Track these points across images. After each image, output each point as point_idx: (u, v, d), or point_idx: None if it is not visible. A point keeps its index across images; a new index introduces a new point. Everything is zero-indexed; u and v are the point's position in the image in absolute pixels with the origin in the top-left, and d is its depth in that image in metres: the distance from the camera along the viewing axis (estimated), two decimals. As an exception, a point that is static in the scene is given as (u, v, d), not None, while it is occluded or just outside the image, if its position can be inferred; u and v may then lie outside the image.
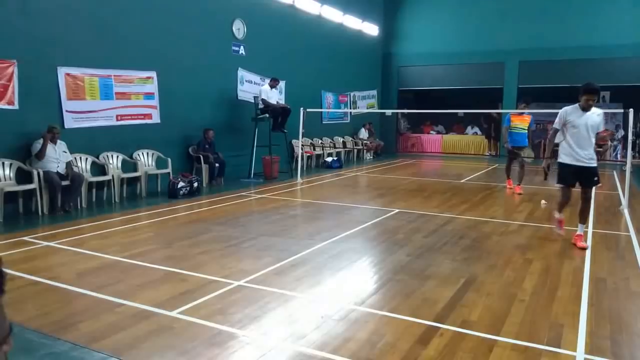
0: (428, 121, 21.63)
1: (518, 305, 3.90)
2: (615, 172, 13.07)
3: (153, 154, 9.53)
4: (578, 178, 5.65)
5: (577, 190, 5.78)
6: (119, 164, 8.85)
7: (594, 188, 5.86)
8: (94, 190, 8.41)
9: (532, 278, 4.58)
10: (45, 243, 5.71)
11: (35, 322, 3.50)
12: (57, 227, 6.55)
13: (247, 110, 11.81)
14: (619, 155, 16.63)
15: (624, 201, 8.23)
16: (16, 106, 7.31)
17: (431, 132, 21.29)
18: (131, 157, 9.14)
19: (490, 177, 12.94)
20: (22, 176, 7.40)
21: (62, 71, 7.93)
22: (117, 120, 8.91)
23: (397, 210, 7.84)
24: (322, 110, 15.65)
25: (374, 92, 19.41)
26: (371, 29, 18.51)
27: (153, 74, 9.49)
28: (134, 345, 3.18)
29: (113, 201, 8.52)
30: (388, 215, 7.54)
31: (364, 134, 17.82)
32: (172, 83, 9.80)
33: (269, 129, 11.51)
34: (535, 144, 15.32)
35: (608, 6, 16.08)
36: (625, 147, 11.77)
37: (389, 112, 19.23)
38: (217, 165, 10.42)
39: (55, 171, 7.50)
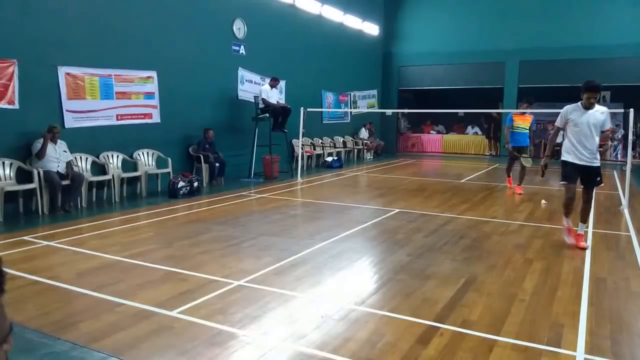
0: (428, 121, 21.62)
1: (518, 305, 3.90)
2: (615, 172, 13.07)
3: (153, 153, 9.53)
4: (580, 176, 5.57)
5: (578, 189, 5.78)
6: (119, 164, 8.85)
7: (595, 188, 5.79)
8: (94, 190, 8.41)
9: (532, 278, 4.58)
10: (46, 243, 5.71)
11: (35, 321, 3.50)
12: (57, 227, 6.56)
13: (247, 110, 11.81)
14: (619, 155, 16.64)
15: (624, 201, 8.23)
16: (16, 106, 7.31)
17: (431, 132, 21.29)
18: (131, 156, 9.14)
19: (490, 177, 12.94)
20: (23, 176, 7.40)
21: (62, 71, 7.93)
22: (118, 119, 8.91)
23: (397, 210, 7.84)
24: (323, 110, 15.65)
25: (374, 92, 19.40)
26: (371, 29, 18.50)
27: (153, 74, 9.49)
28: (134, 345, 3.18)
29: (113, 201, 8.52)
30: (388, 215, 7.54)
31: (364, 133, 17.82)
32: (173, 83, 9.80)
33: (269, 129, 11.50)
34: (536, 144, 15.32)
35: (608, 6, 16.08)
36: (625, 147, 11.76)
37: (389, 111, 19.23)
38: (217, 165, 10.42)
39: (56, 171, 7.49)
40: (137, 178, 9.09)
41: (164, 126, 9.71)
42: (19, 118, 7.34)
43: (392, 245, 5.80)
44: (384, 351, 3.12)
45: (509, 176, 10.05)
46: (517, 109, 14.61)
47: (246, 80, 12.06)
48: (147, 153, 9.44)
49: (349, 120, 17.66)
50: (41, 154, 7.34)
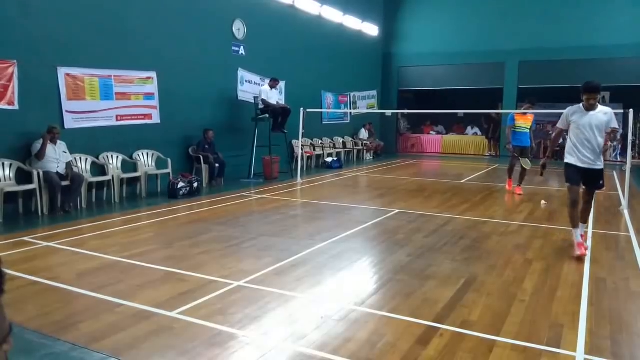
0: (428, 121, 21.63)
1: (518, 306, 3.90)
2: (615, 173, 13.07)
3: (153, 154, 9.53)
4: (583, 179, 5.44)
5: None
6: (119, 164, 8.85)
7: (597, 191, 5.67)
8: (94, 191, 8.41)
9: (532, 278, 4.58)
10: (45, 243, 5.71)
11: (35, 322, 3.50)
12: (57, 228, 6.55)
13: (247, 111, 11.81)
14: (618, 156, 16.64)
15: (624, 201, 8.23)
16: (16, 106, 7.31)
17: (431, 132, 21.29)
18: (131, 157, 9.14)
19: (490, 177, 12.93)
20: (22, 176, 7.40)
21: (62, 71, 7.94)
22: (117, 120, 8.91)
23: (397, 211, 7.84)
24: (322, 110, 15.65)
25: (374, 93, 19.41)
26: (371, 29, 18.51)
27: (153, 74, 9.49)
28: (134, 346, 3.18)
29: (113, 201, 8.52)
30: (388, 215, 7.54)
31: (364, 134, 17.82)
32: (172, 83, 9.80)
33: (269, 129, 11.51)
34: (536, 144, 15.32)
35: (608, 6, 16.09)
36: (625, 147, 11.76)
37: (389, 112, 19.25)
38: (217, 165, 10.42)
39: (55, 171, 7.49)
40: (137, 179, 9.09)
41: (163, 127, 9.71)
42: (18, 119, 7.34)
43: (392, 245, 5.80)
44: (384, 351, 3.12)
45: (510, 177, 9.95)
46: (517, 109, 14.63)
47: (246, 81, 12.07)
48: (147, 154, 9.44)
49: (348, 121, 17.66)
50: (41, 154, 7.34)
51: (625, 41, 15.70)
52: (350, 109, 17.63)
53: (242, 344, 3.23)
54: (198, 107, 10.56)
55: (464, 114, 20.01)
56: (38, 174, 7.33)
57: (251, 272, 4.65)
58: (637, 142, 16.95)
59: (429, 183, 11.57)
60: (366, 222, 7.05)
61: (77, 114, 8.22)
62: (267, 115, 11.44)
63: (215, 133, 10.53)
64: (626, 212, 7.83)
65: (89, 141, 8.40)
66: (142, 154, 9.36)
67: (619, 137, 5.81)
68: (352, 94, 17.73)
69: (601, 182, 5.51)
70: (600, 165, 5.40)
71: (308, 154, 14.13)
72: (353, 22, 16.99)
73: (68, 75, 8.03)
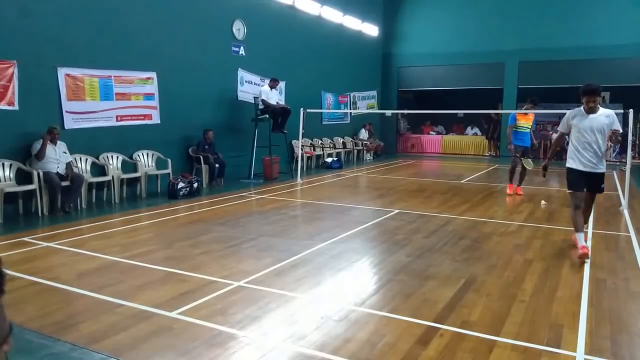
0: (428, 122, 21.64)
1: (518, 306, 3.90)
2: (614, 173, 13.08)
3: (153, 154, 9.53)
4: (586, 183, 5.35)
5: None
6: (119, 165, 8.85)
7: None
8: (93, 191, 8.41)
9: (532, 278, 4.59)
10: (45, 244, 5.71)
11: (35, 322, 3.50)
12: (57, 228, 6.56)
13: (247, 111, 11.81)
14: (618, 155, 16.63)
15: (624, 201, 8.23)
16: (16, 107, 7.31)
17: (431, 132, 21.30)
18: (131, 157, 9.14)
19: (490, 177, 12.93)
20: (22, 177, 7.40)
21: (62, 72, 7.94)
22: (117, 120, 8.91)
23: (397, 211, 7.84)
24: (322, 110, 15.65)
25: (374, 93, 19.41)
26: (371, 30, 18.52)
27: (153, 75, 9.50)
28: (134, 346, 3.18)
29: (113, 202, 8.52)
30: (388, 215, 7.54)
31: (364, 134, 17.82)
32: (172, 84, 9.80)
33: (269, 130, 11.51)
34: (536, 144, 15.33)
35: (608, 7, 16.09)
36: (624, 147, 11.76)
37: (388, 112, 19.25)
38: (217, 165, 10.42)
39: (55, 172, 7.50)
40: (137, 179, 9.09)
41: (163, 127, 9.71)
42: (18, 119, 7.34)
43: (392, 245, 5.80)
44: (384, 352, 3.12)
45: (511, 182, 9.63)
46: (518, 108, 14.63)
47: (246, 81, 12.07)
48: (147, 154, 9.45)
49: (348, 121, 17.67)
50: (40, 155, 7.34)
51: (625, 41, 15.70)
52: (350, 109, 17.63)
53: (242, 344, 3.23)
54: (198, 108, 10.56)
55: (464, 114, 20.01)
56: (38, 174, 7.33)
57: (251, 273, 4.65)
58: (637, 142, 16.96)
59: (428, 183, 11.57)
60: (366, 223, 7.05)
61: (77, 115, 8.22)
62: (267, 116, 11.44)
63: (215, 133, 10.53)
64: (626, 212, 7.83)
65: (89, 141, 8.41)
66: (142, 154, 9.36)
67: (620, 138, 5.66)
68: (352, 94, 17.74)
69: (602, 186, 5.45)
70: (602, 168, 5.32)
71: (308, 154, 14.13)
72: (353, 23, 16.99)
73: (68, 75, 8.03)
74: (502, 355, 3.09)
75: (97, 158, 8.54)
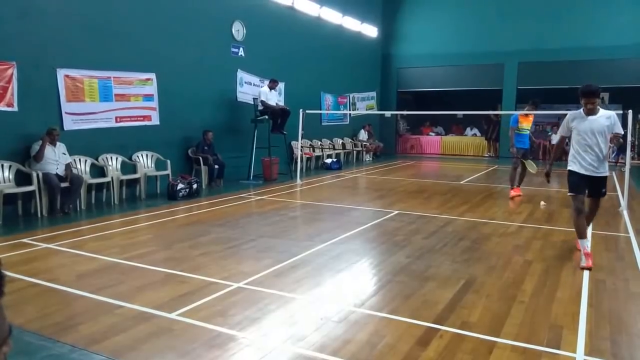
0: (427, 122, 21.65)
1: (518, 307, 3.90)
2: (614, 173, 13.09)
3: (152, 155, 9.52)
4: (587, 187, 5.21)
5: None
6: (118, 166, 8.84)
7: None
8: (93, 192, 8.40)
9: (531, 279, 4.58)
10: (45, 245, 5.70)
11: (34, 324, 3.49)
12: (56, 229, 6.55)
13: (246, 112, 11.81)
14: (616, 157, 16.64)
15: (623, 202, 8.23)
16: (15, 108, 7.30)
17: (430, 133, 21.31)
18: (130, 158, 9.14)
19: (489, 178, 12.94)
20: (22, 178, 7.39)
21: (61, 73, 7.94)
22: (117, 122, 8.90)
23: (396, 212, 7.84)
24: (322, 111, 15.66)
25: (373, 94, 19.42)
26: (370, 31, 18.53)
27: (152, 76, 9.49)
28: (134, 347, 3.18)
29: (112, 203, 8.51)
30: (388, 216, 7.54)
31: (363, 135, 17.83)
32: (172, 85, 9.80)
33: (269, 131, 11.51)
34: (535, 145, 15.34)
35: (608, 7, 16.10)
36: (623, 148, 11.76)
37: (388, 113, 19.24)
38: (216, 166, 10.42)
39: (55, 173, 7.49)
40: (136, 180, 9.08)
41: (163, 128, 9.71)
42: (18, 120, 7.34)
43: (391, 246, 5.80)
44: (384, 353, 3.11)
45: (513, 187, 9.36)
46: (517, 109, 14.63)
47: (245, 82, 12.07)
48: (146, 155, 9.44)
49: (348, 122, 17.67)
50: (38, 156, 7.33)
51: (624, 42, 15.71)
52: (350, 110, 17.63)
53: (242, 346, 3.23)
54: (197, 109, 10.56)
55: (463, 115, 20.02)
56: (37, 175, 7.32)
57: (251, 274, 4.65)
58: (637, 142, 16.97)
59: (428, 184, 11.57)
60: (366, 224, 7.05)
61: (77, 116, 8.22)
62: (267, 117, 11.44)
63: (215, 134, 10.53)
64: (625, 213, 7.83)
65: (88, 142, 8.40)
66: (142, 155, 9.35)
67: (621, 140, 5.50)
68: (351, 95, 17.74)
69: (604, 190, 5.28)
70: (604, 172, 5.16)
71: (307, 155, 14.13)
72: (352, 24, 17.00)
73: (67, 76, 8.03)
74: (501, 356, 3.09)
75: (97, 159, 8.54)
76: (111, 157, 8.77)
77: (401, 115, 20.40)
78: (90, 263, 5.02)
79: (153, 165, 9.51)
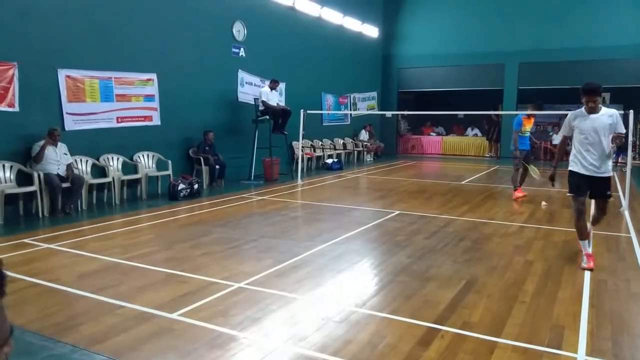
0: (428, 123, 21.65)
1: (519, 307, 3.89)
2: (615, 174, 13.08)
3: (153, 155, 9.53)
4: (588, 188, 5.05)
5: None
6: (120, 166, 8.85)
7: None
8: (94, 192, 8.41)
9: (533, 279, 4.58)
10: (46, 245, 5.71)
11: (35, 324, 3.50)
12: (57, 229, 6.55)
13: (247, 112, 11.81)
14: (617, 157, 16.62)
15: (625, 202, 8.22)
16: (17, 108, 7.31)
17: (431, 133, 21.30)
18: (131, 159, 9.14)
19: (490, 178, 12.93)
20: (23, 178, 7.40)
21: (62, 73, 7.94)
22: (118, 122, 8.91)
23: (397, 212, 7.84)
24: (322, 112, 15.65)
25: (374, 94, 19.41)
26: (371, 31, 18.52)
27: (153, 76, 9.50)
28: (135, 347, 3.18)
29: (113, 203, 8.52)
30: (389, 216, 7.54)
31: (364, 135, 17.83)
32: (173, 85, 9.81)
33: (269, 131, 11.51)
34: (535, 146, 15.32)
35: (608, 8, 16.08)
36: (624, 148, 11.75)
37: (389, 113, 19.25)
38: (217, 167, 10.42)
39: (56, 173, 7.50)
40: (138, 180, 9.08)
41: (164, 128, 9.71)
42: (19, 121, 7.34)
43: (392, 247, 5.80)
44: (385, 353, 3.11)
45: (516, 188, 9.29)
46: (518, 110, 14.62)
47: (246, 83, 12.07)
48: (147, 155, 9.45)
49: (348, 122, 17.67)
50: (38, 157, 7.33)
51: (625, 42, 15.69)
52: (350, 110, 17.63)
53: (243, 346, 3.23)
54: (198, 109, 10.56)
55: (464, 115, 20.00)
56: (39, 175, 7.33)
57: (252, 274, 4.65)
58: (638, 143, 16.94)
59: (429, 184, 11.57)
60: (367, 224, 7.05)
61: (78, 116, 8.22)
62: (268, 117, 11.45)
63: (216, 135, 10.53)
64: (626, 213, 7.82)
65: (89, 143, 8.40)
66: (143, 155, 9.36)
67: (623, 140, 5.36)
68: (352, 96, 17.74)
69: (608, 193, 5.07)
70: (606, 172, 4.99)
71: (308, 156, 14.13)
72: (353, 24, 16.99)
73: (68, 77, 8.04)
74: (503, 356, 3.09)
75: (98, 159, 8.54)
76: (112, 158, 8.77)
77: (402, 115, 20.40)
78: (91, 263, 5.03)
79: (154, 165, 9.52)
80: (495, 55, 17.62)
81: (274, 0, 12.88)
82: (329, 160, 14.68)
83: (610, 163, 5.05)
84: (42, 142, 7.39)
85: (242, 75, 11.91)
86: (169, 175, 9.37)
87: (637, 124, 16.05)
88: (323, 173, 13.49)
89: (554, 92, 16.92)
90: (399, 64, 19.73)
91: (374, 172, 14.01)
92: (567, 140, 5.49)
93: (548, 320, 3.65)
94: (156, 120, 9.61)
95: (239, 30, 11.68)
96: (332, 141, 16.24)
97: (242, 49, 11.81)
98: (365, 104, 18.71)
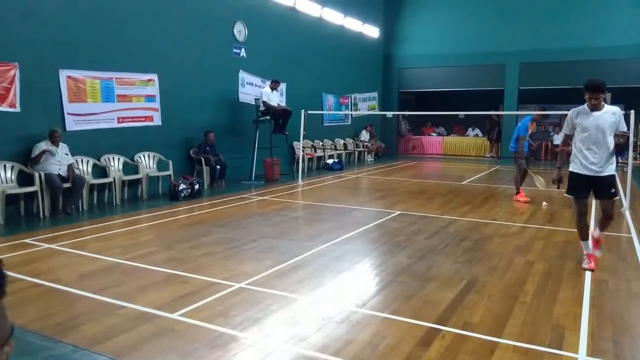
0: (429, 123, 21.66)
1: (520, 307, 3.89)
2: (616, 174, 13.05)
3: (154, 156, 9.53)
4: (590, 189, 4.91)
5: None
6: (120, 166, 8.85)
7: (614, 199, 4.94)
8: (95, 193, 8.41)
9: (533, 280, 4.58)
10: (47, 245, 5.71)
11: (36, 324, 3.50)
12: (58, 230, 6.56)
13: (248, 113, 11.82)
14: (620, 157, 16.62)
15: (626, 203, 8.22)
16: (18, 109, 7.32)
17: (432, 134, 21.30)
18: (132, 159, 9.15)
19: (491, 179, 12.93)
20: (24, 178, 7.40)
21: (63, 74, 7.95)
22: (119, 122, 8.91)
23: (398, 212, 7.84)
24: (323, 112, 15.66)
25: (375, 94, 19.42)
26: (372, 31, 18.52)
27: (154, 77, 9.50)
28: (135, 348, 3.18)
29: (114, 203, 8.52)
30: (389, 217, 7.54)
31: (364, 135, 17.83)
32: (173, 85, 9.81)
33: (270, 131, 11.52)
34: (536, 146, 15.29)
35: (609, 7, 16.09)
36: (624, 149, 11.74)
37: (389, 114, 19.26)
38: (218, 167, 10.42)
39: (57, 173, 7.50)
40: (138, 181, 9.09)
41: (164, 129, 9.71)
42: (20, 121, 7.35)
43: (393, 247, 5.80)
44: (386, 353, 3.11)
45: (518, 192, 9.21)
46: (521, 110, 14.60)
47: (247, 83, 12.08)
48: (148, 156, 9.45)
49: (349, 123, 17.67)
50: (36, 160, 7.33)
51: (626, 42, 15.69)
52: (351, 110, 17.64)
53: (244, 346, 3.23)
54: (199, 109, 10.57)
55: (465, 115, 20.00)
56: (39, 176, 7.33)
57: (252, 274, 4.65)
58: (639, 143, 16.93)
59: (430, 185, 11.56)
60: (367, 224, 7.04)
61: (79, 116, 8.23)
62: (268, 117, 11.45)
63: (216, 135, 10.53)
64: (627, 214, 7.82)
65: (90, 143, 8.41)
66: (143, 155, 9.36)
67: (626, 138, 5.17)
68: (352, 96, 17.74)
69: (613, 190, 4.85)
70: (608, 171, 4.80)
71: (309, 156, 14.13)
72: (354, 24, 17.00)
73: (69, 77, 8.04)
74: (503, 356, 3.09)
75: (99, 160, 8.55)
76: (113, 158, 8.78)
77: (403, 115, 20.40)
78: (92, 263, 5.03)
79: (155, 165, 9.52)
80: (496, 56, 17.62)
81: (275, 0, 12.88)
82: (330, 161, 14.69)
83: (613, 161, 4.87)
84: (42, 144, 7.40)
85: (243, 75, 11.91)
86: (170, 175, 9.37)
87: (638, 124, 16.03)
88: (324, 173, 13.50)
89: (555, 92, 16.92)
90: (400, 64, 19.73)
91: (374, 173, 14.01)
92: (568, 140, 5.25)
93: (549, 321, 3.64)
94: (157, 121, 9.61)
95: (239, 31, 11.69)
96: (333, 141, 16.24)
97: (243, 49, 11.81)
98: (366, 104, 18.71)
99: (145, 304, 3.89)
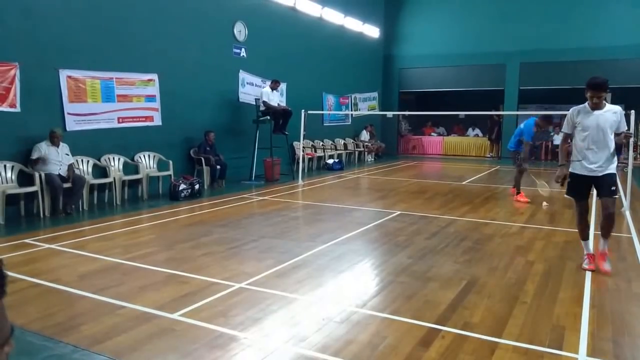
0: (429, 123, 21.65)
1: (520, 307, 3.89)
2: (617, 173, 13.04)
3: (154, 156, 9.53)
4: (591, 189, 4.87)
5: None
6: (121, 166, 8.86)
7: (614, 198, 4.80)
8: (95, 193, 8.42)
9: (533, 280, 4.58)
10: (47, 245, 5.72)
11: (36, 324, 3.50)
12: (58, 230, 6.56)
13: (248, 113, 11.82)
14: (619, 157, 16.61)
15: (626, 203, 8.21)
16: (18, 109, 7.32)
17: (432, 134, 21.30)
18: (132, 159, 9.15)
19: (492, 179, 12.92)
20: (24, 178, 7.41)
21: (63, 74, 7.95)
22: (119, 122, 8.92)
23: (398, 212, 7.84)
24: (323, 112, 15.66)
25: (375, 94, 19.42)
26: (372, 31, 18.52)
27: (154, 77, 9.51)
28: (136, 348, 3.18)
29: (114, 203, 8.52)
30: (389, 217, 7.54)
31: (365, 135, 17.83)
32: (174, 85, 9.81)
33: (270, 131, 11.52)
34: (536, 146, 15.30)
35: (609, 7, 16.08)
36: (625, 149, 11.74)
37: (390, 114, 19.26)
38: (218, 167, 10.42)
39: (57, 173, 7.50)
40: (139, 181, 9.09)
41: (165, 129, 9.72)
42: (20, 121, 7.35)
43: (393, 247, 5.80)
44: (386, 354, 3.11)
45: (519, 191, 9.18)
46: (521, 110, 14.60)
47: (247, 83, 12.08)
48: (148, 156, 9.45)
49: (349, 123, 17.67)
50: (34, 162, 7.34)
51: (626, 42, 15.68)
52: (351, 110, 17.64)
53: (244, 346, 3.23)
54: (199, 109, 10.57)
55: (465, 115, 20.00)
56: (40, 176, 7.33)
57: (252, 274, 4.65)
58: (639, 143, 16.92)
59: (430, 185, 11.56)
60: (367, 224, 7.04)
61: (79, 116, 8.23)
62: (268, 117, 11.45)
63: (217, 135, 10.53)
64: (628, 214, 7.81)
65: (90, 143, 8.41)
66: (144, 156, 9.36)
67: (628, 138, 5.05)
68: (353, 96, 17.74)
69: (613, 188, 4.73)
70: (609, 169, 4.72)
71: (309, 156, 14.13)
72: (354, 24, 17.00)
73: (70, 77, 8.04)
74: (504, 356, 3.09)
75: (99, 160, 8.55)
76: (113, 158, 8.78)
77: (403, 115, 20.41)
78: (92, 263, 5.03)
79: (155, 165, 9.52)
80: (496, 56, 17.62)
81: (275, 0, 12.88)
82: (330, 161, 14.69)
83: (615, 161, 4.79)
84: (42, 144, 7.40)
85: (243, 75, 11.91)
86: (170, 175, 9.38)
87: (639, 124, 16.02)
88: (324, 173, 13.50)
89: (555, 92, 16.92)
90: (400, 64, 19.73)
91: (374, 173, 14.01)
92: (568, 139, 5.14)
93: (549, 321, 3.64)
94: (157, 121, 9.62)
95: (240, 31, 11.69)
96: (333, 141, 16.24)
97: (243, 49, 11.81)
98: (366, 104, 18.71)
99: (146, 304, 3.89)
